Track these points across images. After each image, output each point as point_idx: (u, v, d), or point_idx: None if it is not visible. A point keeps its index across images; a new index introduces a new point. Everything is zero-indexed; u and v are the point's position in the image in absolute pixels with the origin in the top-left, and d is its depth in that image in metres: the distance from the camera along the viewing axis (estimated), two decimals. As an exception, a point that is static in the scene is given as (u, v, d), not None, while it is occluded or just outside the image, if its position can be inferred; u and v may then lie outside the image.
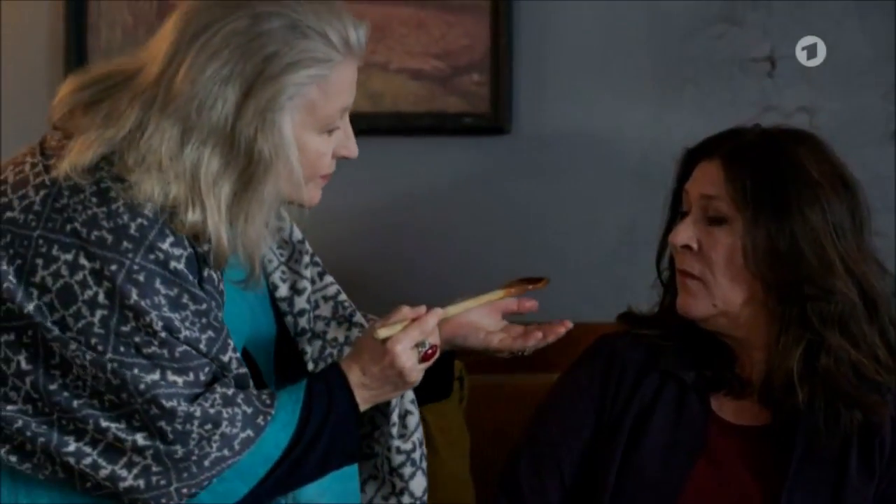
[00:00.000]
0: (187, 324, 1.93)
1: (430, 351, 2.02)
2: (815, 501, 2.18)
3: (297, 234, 2.22)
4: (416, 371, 2.02)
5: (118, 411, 1.91)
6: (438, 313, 2.04)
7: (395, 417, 2.12)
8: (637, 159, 2.92)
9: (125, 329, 1.89)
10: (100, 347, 1.89)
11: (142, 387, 1.90)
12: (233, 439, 1.94)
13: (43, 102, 2.84)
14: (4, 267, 1.91)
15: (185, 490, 1.94)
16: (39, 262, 1.90)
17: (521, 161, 2.94)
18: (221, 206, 1.92)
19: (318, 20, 1.94)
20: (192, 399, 1.93)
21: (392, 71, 2.93)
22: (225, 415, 1.94)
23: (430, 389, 2.17)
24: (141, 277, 1.89)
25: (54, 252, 1.90)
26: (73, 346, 1.89)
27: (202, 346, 1.94)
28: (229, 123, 1.91)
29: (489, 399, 2.67)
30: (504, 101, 2.91)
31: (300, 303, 2.20)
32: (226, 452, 1.94)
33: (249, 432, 1.95)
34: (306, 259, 2.22)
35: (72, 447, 1.92)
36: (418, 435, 2.14)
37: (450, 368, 2.26)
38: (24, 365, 1.92)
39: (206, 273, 1.96)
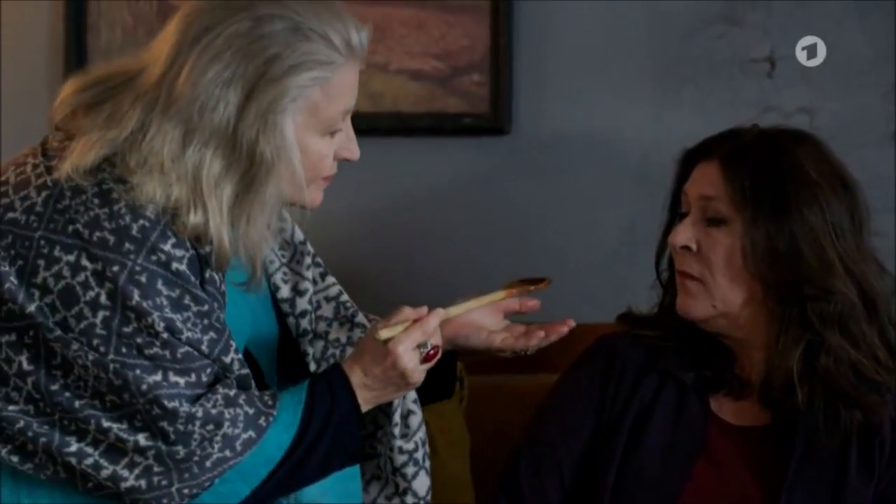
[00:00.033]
0: (189, 325, 1.93)
1: (431, 352, 2.02)
2: (815, 501, 2.18)
3: (299, 235, 2.22)
4: (417, 372, 2.02)
5: (120, 412, 1.91)
6: (440, 314, 2.04)
7: (397, 417, 2.12)
8: (637, 159, 2.92)
9: (127, 330, 1.89)
10: (102, 348, 1.89)
11: (144, 387, 1.90)
12: (234, 440, 1.94)
13: (43, 102, 2.86)
14: (6, 268, 1.91)
15: (186, 490, 1.94)
16: (41, 263, 1.90)
17: (521, 161, 2.94)
18: (223, 207, 1.92)
19: (319, 22, 1.94)
20: (194, 400, 1.93)
21: (392, 71, 2.93)
22: (227, 415, 1.94)
23: (433, 389, 2.17)
24: (143, 279, 1.89)
25: (56, 253, 1.90)
26: (75, 346, 1.89)
27: (204, 348, 1.94)
28: (231, 125, 1.91)
29: (489, 399, 2.67)
30: (504, 102, 2.91)
31: (302, 304, 2.20)
32: (227, 453, 1.94)
33: (251, 433, 1.95)
34: (308, 260, 2.22)
35: (73, 447, 1.92)
36: (421, 434, 2.14)
37: (452, 368, 2.26)
38: (25, 365, 1.92)
39: (207, 274, 1.96)
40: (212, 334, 1.95)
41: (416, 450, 2.13)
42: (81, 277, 1.89)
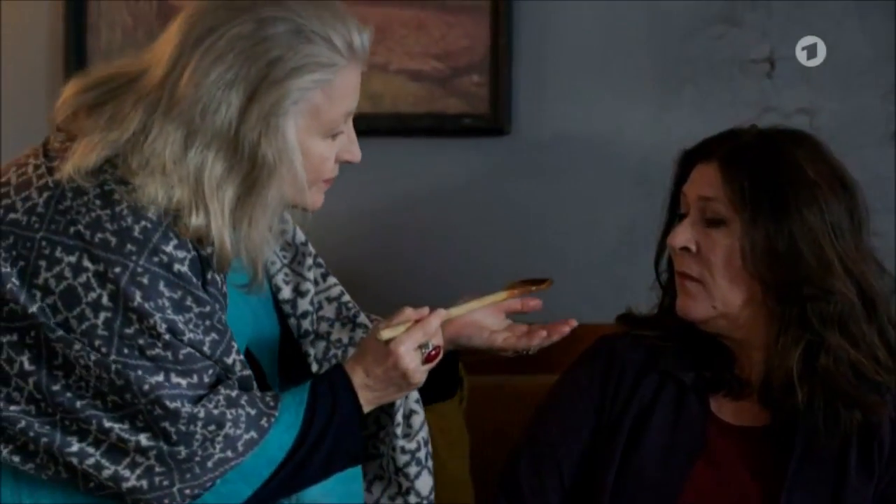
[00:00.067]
0: (191, 326, 1.93)
1: (433, 352, 2.02)
2: (815, 502, 2.18)
3: (300, 236, 2.22)
4: (419, 372, 2.02)
5: (121, 412, 1.91)
6: (441, 314, 2.04)
7: (399, 417, 2.12)
8: (637, 160, 2.92)
9: (129, 331, 1.90)
10: (103, 349, 1.89)
11: (146, 388, 1.90)
12: (236, 441, 1.95)
13: (42, 103, 2.87)
14: (7, 269, 1.91)
15: (188, 491, 1.94)
16: (42, 263, 1.90)
17: (521, 162, 2.94)
18: (225, 209, 1.92)
19: (322, 25, 1.94)
20: (196, 400, 1.93)
21: (392, 72, 2.93)
22: (229, 416, 1.94)
23: (434, 390, 2.17)
24: (145, 280, 1.90)
25: (57, 254, 1.90)
26: (77, 346, 1.89)
27: (206, 349, 1.94)
28: (233, 128, 1.91)
29: (489, 400, 2.66)
30: (504, 102, 2.91)
31: (303, 305, 2.20)
32: (229, 454, 1.94)
33: (253, 434, 1.95)
34: (309, 261, 2.22)
35: (75, 447, 1.92)
36: (423, 434, 2.14)
37: (454, 368, 2.26)
38: (27, 366, 1.92)
39: (209, 276, 1.96)
40: (213, 335, 1.95)
41: (418, 449, 2.13)
42: (83, 278, 1.89)
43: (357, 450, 2.04)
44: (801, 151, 2.22)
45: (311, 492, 2.04)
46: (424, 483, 2.14)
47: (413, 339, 2.00)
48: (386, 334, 2.00)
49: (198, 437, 1.93)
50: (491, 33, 2.92)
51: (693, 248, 2.22)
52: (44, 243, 1.91)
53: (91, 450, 1.92)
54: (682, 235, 2.23)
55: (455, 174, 2.95)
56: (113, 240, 1.90)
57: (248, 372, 2.00)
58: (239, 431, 1.95)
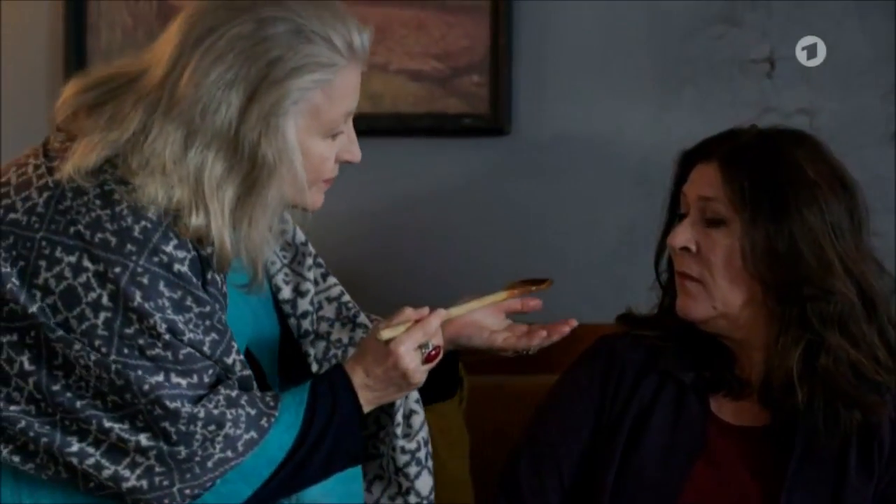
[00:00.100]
0: (191, 326, 1.93)
1: (433, 352, 2.02)
2: (815, 502, 2.18)
3: (300, 236, 2.22)
4: (419, 372, 2.02)
5: (122, 412, 1.91)
6: (442, 314, 2.05)
7: (399, 417, 2.12)
8: (637, 160, 2.92)
9: (129, 331, 1.90)
10: (103, 349, 1.89)
11: (146, 388, 1.90)
12: (236, 441, 1.95)
13: (42, 103, 2.87)
14: (7, 269, 1.91)
15: (188, 491, 1.94)
16: (42, 263, 1.90)
17: (521, 162, 2.94)
18: (225, 210, 1.92)
19: (322, 25, 1.94)
20: (196, 400, 1.93)
21: (392, 72, 2.93)
22: (229, 416, 1.94)
23: (435, 390, 2.17)
24: (145, 280, 1.90)
25: (57, 254, 1.90)
26: (78, 346, 1.89)
27: (206, 349, 1.95)
28: (233, 128, 1.91)
29: (489, 400, 2.66)
30: (504, 102, 2.91)
31: (303, 305, 2.20)
32: (229, 454, 1.95)
33: (253, 434, 1.95)
34: (309, 261, 2.22)
35: (75, 447, 1.92)
36: (423, 434, 2.14)
37: (454, 369, 2.26)
38: (27, 366, 1.92)
39: (209, 276, 1.96)
40: (213, 335, 1.95)
41: (418, 449, 2.13)
42: (83, 278, 1.90)
43: (357, 450, 2.04)
44: (801, 151, 2.22)
45: (312, 492, 2.04)
46: (424, 483, 2.14)
47: (413, 339, 2.00)
48: (386, 334, 2.00)
49: (198, 437, 1.93)
50: (491, 33, 2.92)
51: (693, 248, 2.23)
52: (44, 243, 1.91)
53: (91, 450, 1.92)
54: (682, 235, 2.23)
55: (455, 174, 2.95)
56: (113, 240, 1.90)
57: (248, 372, 2.01)
58: (239, 431, 1.95)
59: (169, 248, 1.91)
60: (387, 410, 2.13)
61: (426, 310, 2.04)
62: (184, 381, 1.92)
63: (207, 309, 1.95)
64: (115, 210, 1.90)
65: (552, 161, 2.94)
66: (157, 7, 2.94)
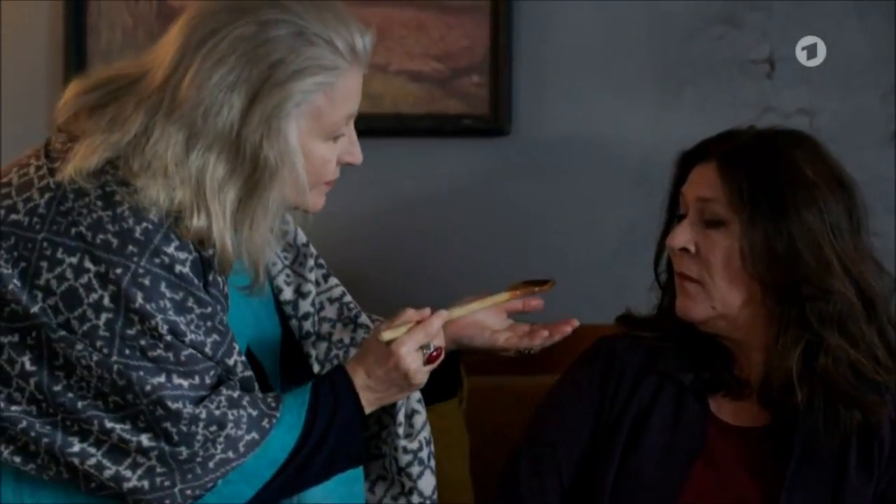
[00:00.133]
0: (193, 327, 1.93)
1: (434, 353, 2.02)
2: (815, 502, 2.18)
3: (302, 237, 2.22)
4: (421, 373, 2.02)
5: (123, 412, 1.91)
6: (443, 315, 2.05)
7: (401, 417, 2.12)
8: (637, 160, 2.92)
9: (130, 332, 1.90)
10: (105, 350, 1.89)
11: (147, 388, 1.90)
12: (237, 441, 1.95)
13: (42, 103, 2.87)
14: (8, 270, 1.91)
15: (189, 491, 1.95)
16: (44, 264, 1.91)
17: (521, 162, 2.94)
18: (226, 212, 1.93)
19: (324, 27, 1.94)
20: (198, 401, 1.93)
21: (392, 73, 2.93)
22: (230, 417, 1.94)
23: (437, 389, 2.16)
24: (146, 281, 1.90)
25: (59, 255, 1.90)
26: (80, 346, 1.89)
27: (207, 350, 1.95)
28: (235, 130, 1.91)
29: (489, 400, 2.66)
30: (504, 103, 2.91)
31: (304, 306, 2.20)
32: (230, 454, 1.95)
33: (254, 435, 1.96)
34: (311, 262, 2.22)
35: (76, 448, 1.92)
36: (425, 434, 2.14)
37: (456, 368, 2.26)
38: (28, 366, 1.92)
39: (211, 277, 1.96)
40: (215, 336, 1.96)
41: (420, 449, 2.13)
42: (84, 280, 1.90)
43: (359, 451, 2.05)
44: (799, 152, 2.22)
45: (313, 493, 2.04)
46: (427, 483, 2.14)
47: (414, 341, 2.00)
48: (387, 335, 2.00)
49: (199, 437, 1.93)
50: (491, 34, 2.92)
51: (692, 248, 2.23)
52: (45, 244, 1.91)
53: (92, 450, 1.92)
54: (681, 236, 2.23)
55: (455, 175, 2.95)
56: (114, 241, 1.90)
57: (249, 373, 2.01)
58: (240, 432, 1.95)
59: (170, 250, 1.91)
60: (388, 410, 2.13)
61: (428, 311, 2.04)
62: (185, 382, 1.92)
63: (209, 310, 1.95)
64: (116, 211, 1.91)
65: (552, 162, 2.94)
66: (157, 7, 2.94)
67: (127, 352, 1.90)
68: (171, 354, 1.91)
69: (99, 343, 1.89)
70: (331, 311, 2.23)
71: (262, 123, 1.91)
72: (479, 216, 2.95)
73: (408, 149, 2.94)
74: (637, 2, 2.93)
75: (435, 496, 2.15)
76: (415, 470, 2.13)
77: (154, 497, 1.94)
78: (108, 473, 1.92)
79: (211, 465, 1.94)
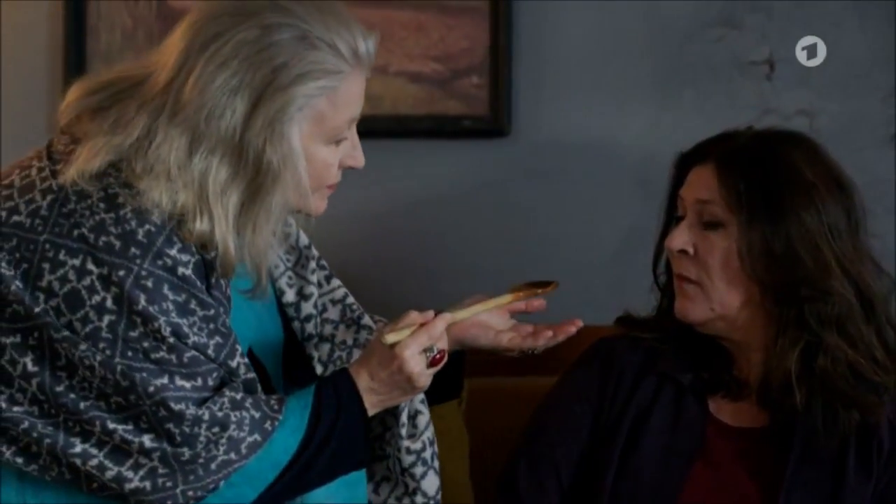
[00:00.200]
0: (195, 329, 1.93)
1: (438, 356, 2.02)
2: (814, 502, 2.19)
3: (304, 240, 2.22)
4: (424, 376, 2.02)
5: (125, 413, 1.92)
6: (447, 318, 2.05)
7: (404, 418, 2.12)
8: (636, 162, 2.92)
9: (133, 334, 1.90)
10: (107, 352, 1.90)
11: (150, 389, 1.90)
12: (240, 443, 1.95)
13: (42, 104, 2.87)
14: (10, 271, 1.91)
15: (191, 493, 1.95)
16: (46, 266, 1.91)
17: (521, 163, 2.94)
18: (229, 215, 1.93)
19: (327, 31, 1.94)
20: (201, 403, 1.93)
21: (391, 74, 2.93)
22: (233, 418, 1.94)
23: (440, 390, 2.16)
24: (149, 283, 1.90)
25: (61, 257, 1.90)
26: (83, 346, 1.90)
27: (210, 352, 1.95)
28: (238, 133, 1.92)
29: (489, 402, 2.66)
30: (503, 104, 2.91)
31: (307, 308, 2.20)
32: (232, 456, 1.95)
33: (257, 436, 1.96)
34: (313, 264, 2.22)
35: (78, 448, 1.92)
36: (428, 434, 2.14)
37: (459, 369, 2.26)
38: (30, 367, 1.92)
39: (213, 279, 1.96)
40: (218, 339, 1.96)
41: (423, 449, 2.13)
42: (87, 281, 1.90)
43: (362, 453, 2.05)
44: (797, 153, 2.22)
45: (316, 494, 2.04)
46: (431, 483, 2.13)
47: (418, 343, 2.00)
48: (390, 338, 2.00)
49: (202, 438, 1.93)
50: (490, 35, 2.92)
51: (690, 250, 2.23)
52: (47, 246, 1.91)
53: (94, 451, 1.93)
54: (680, 238, 2.24)
55: (455, 176, 2.95)
56: (117, 243, 1.90)
57: (252, 375, 2.01)
58: (243, 434, 1.95)
59: (173, 252, 1.92)
60: (392, 411, 2.12)
61: (431, 313, 2.03)
62: (188, 384, 1.92)
63: (212, 312, 1.95)
64: (119, 214, 1.91)
65: (552, 163, 2.94)
66: (156, 8, 2.93)
67: (129, 353, 1.90)
68: (173, 356, 1.91)
69: (101, 345, 1.89)
70: (333, 313, 2.23)
71: (264, 127, 1.91)
72: (479, 217, 2.95)
73: (407, 150, 2.94)
74: (637, 3, 2.93)
75: (439, 496, 2.14)
76: (418, 470, 2.13)
77: (156, 498, 1.94)
78: (109, 474, 1.92)
79: (213, 466, 1.94)
